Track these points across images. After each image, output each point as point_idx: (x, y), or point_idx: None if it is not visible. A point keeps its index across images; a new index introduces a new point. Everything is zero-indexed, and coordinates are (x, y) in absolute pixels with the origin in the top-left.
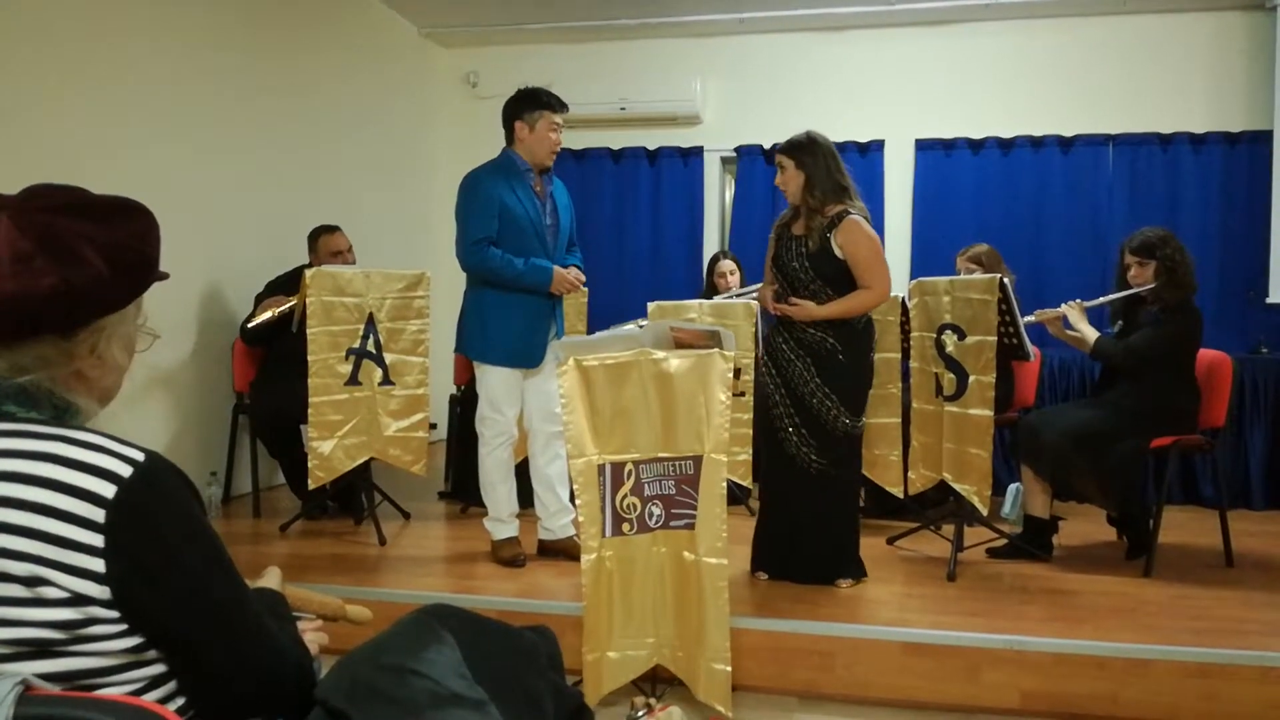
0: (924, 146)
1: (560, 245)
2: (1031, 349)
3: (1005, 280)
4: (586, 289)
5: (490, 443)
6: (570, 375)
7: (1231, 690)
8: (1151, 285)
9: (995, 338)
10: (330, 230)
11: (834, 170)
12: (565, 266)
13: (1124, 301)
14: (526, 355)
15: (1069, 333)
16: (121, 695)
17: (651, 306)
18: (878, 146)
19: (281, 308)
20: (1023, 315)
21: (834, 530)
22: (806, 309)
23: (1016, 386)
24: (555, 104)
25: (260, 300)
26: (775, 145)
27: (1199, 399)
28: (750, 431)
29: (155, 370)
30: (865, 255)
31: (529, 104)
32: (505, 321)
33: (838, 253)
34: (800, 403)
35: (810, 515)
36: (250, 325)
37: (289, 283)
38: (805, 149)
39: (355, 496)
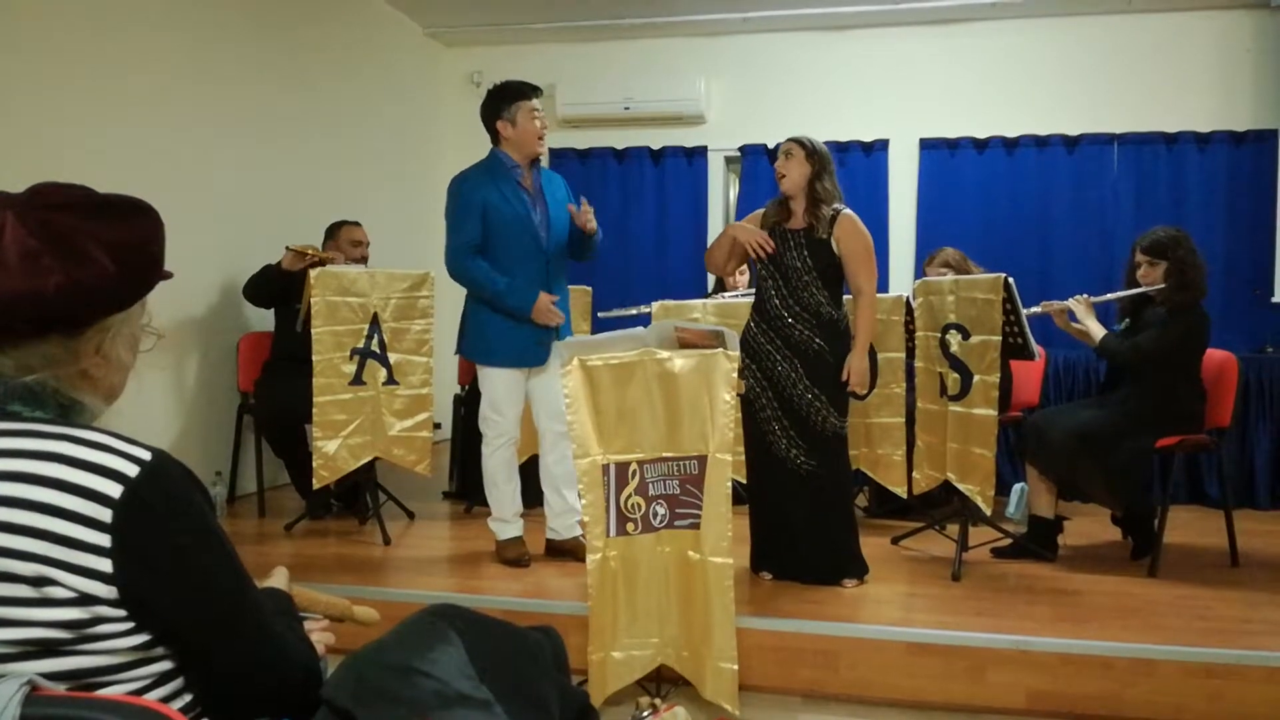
0: (928, 146)
1: (555, 237)
2: (1036, 348)
3: (1010, 279)
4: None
5: (492, 443)
6: (574, 375)
7: (1237, 690)
8: (1160, 286)
9: (1000, 337)
10: (352, 223)
11: (833, 174)
12: (562, 262)
13: (1131, 299)
14: (527, 357)
15: (1075, 325)
16: (126, 694)
17: (656, 306)
18: (882, 146)
19: (309, 255)
20: (1027, 309)
21: (830, 530)
22: (856, 365)
23: (1023, 386)
24: (528, 90)
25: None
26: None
27: (1205, 400)
28: None
29: (160, 369)
30: (861, 252)
31: (503, 99)
32: (506, 324)
33: (834, 248)
34: (788, 404)
35: (804, 516)
36: (282, 263)
37: (298, 278)
38: (813, 147)
39: (360, 496)
